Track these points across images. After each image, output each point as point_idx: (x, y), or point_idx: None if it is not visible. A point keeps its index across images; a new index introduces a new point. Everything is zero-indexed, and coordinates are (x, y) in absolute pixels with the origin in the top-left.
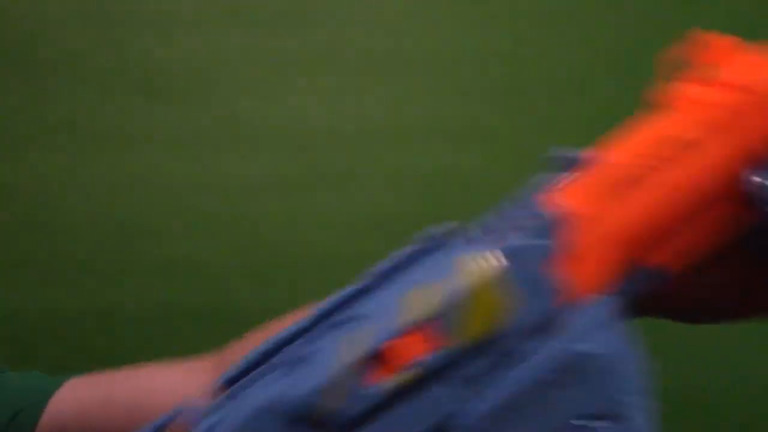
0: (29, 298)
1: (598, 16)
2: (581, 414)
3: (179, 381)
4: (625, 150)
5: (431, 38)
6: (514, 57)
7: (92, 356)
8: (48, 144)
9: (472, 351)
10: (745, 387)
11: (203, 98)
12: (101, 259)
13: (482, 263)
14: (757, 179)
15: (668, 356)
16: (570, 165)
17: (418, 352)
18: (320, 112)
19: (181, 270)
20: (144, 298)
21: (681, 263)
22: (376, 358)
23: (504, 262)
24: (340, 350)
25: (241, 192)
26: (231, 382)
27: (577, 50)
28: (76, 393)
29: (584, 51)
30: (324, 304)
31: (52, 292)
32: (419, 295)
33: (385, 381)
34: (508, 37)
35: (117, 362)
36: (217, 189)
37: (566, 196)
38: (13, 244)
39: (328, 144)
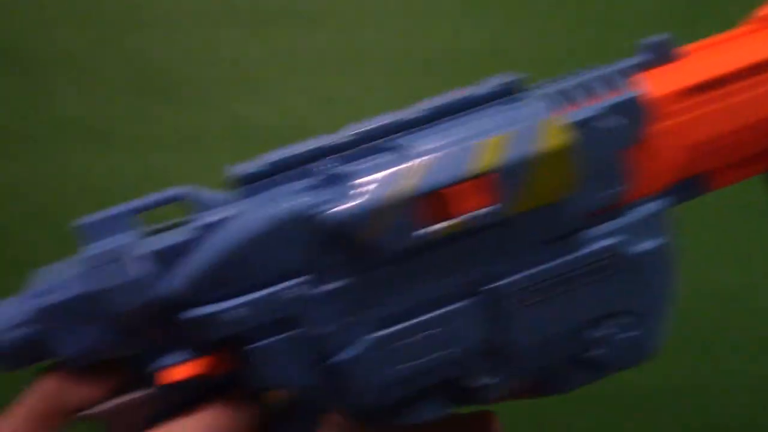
0: None
1: (599, 16)
2: (611, 307)
3: None
4: (717, 57)
5: (431, 38)
6: (513, 56)
7: None
8: (48, 144)
9: (526, 217)
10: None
11: (203, 98)
12: None
13: (560, 130)
14: None
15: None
16: (659, 53)
17: (475, 204)
18: (320, 112)
19: None
20: None
21: (728, 181)
22: (431, 198)
23: (581, 134)
24: (390, 179)
25: None
26: (249, 179)
27: (576, 50)
28: None
29: (584, 51)
30: (363, 126)
31: None
32: (490, 146)
33: (435, 225)
34: (508, 37)
35: None
36: (216, 189)
37: (653, 83)
38: (13, 244)
39: None
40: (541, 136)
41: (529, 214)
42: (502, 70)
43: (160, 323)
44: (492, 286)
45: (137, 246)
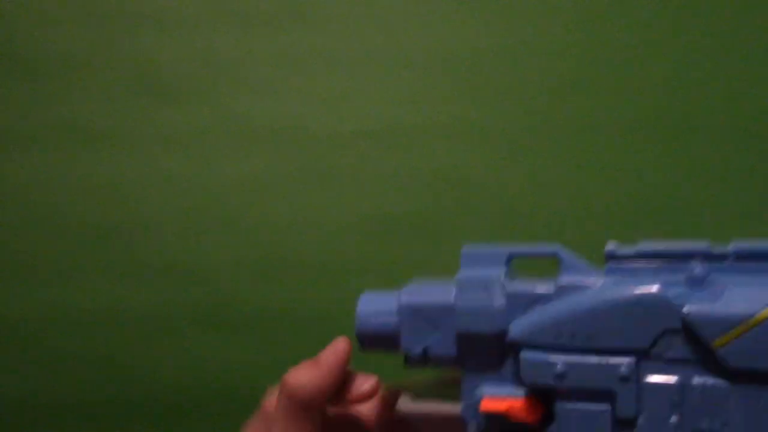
0: (29, 298)
1: (598, 16)
2: None
3: None
4: None
5: (431, 38)
6: (514, 56)
7: (92, 356)
8: (48, 144)
9: None
10: None
11: (203, 98)
12: (101, 259)
13: None
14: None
15: None
16: None
17: None
18: (320, 112)
19: (180, 270)
20: (143, 298)
21: None
22: None
23: None
24: (755, 298)
25: (241, 192)
26: (615, 258)
27: (577, 50)
28: None
29: (584, 51)
30: (741, 242)
31: (52, 292)
32: None
33: None
34: (508, 37)
35: (117, 362)
36: (217, 189)
37: None
38: (13, 244)
39: (328, 144)
40: None
41: None
42: (502, 70)
43: (492, 353)
44: None
45: (505, 283)
